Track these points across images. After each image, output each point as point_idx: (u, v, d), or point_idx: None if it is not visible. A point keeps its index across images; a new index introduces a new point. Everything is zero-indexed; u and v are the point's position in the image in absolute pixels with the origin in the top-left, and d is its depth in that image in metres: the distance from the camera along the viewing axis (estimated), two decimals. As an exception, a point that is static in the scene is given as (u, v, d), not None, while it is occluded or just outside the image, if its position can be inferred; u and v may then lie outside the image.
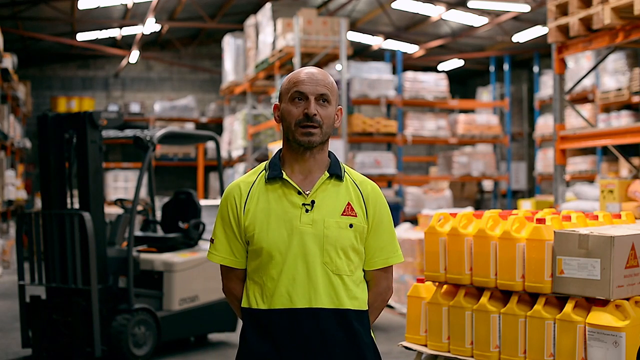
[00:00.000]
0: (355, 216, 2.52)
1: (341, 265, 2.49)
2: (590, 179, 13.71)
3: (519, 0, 14.25)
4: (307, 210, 2.49)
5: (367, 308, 2.56)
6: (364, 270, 2.62)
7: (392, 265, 2.63)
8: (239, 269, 2.59)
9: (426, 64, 20.01)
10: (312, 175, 2.54)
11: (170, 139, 7.62)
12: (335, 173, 2.54)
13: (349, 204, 2.53)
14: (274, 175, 2.52)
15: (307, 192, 2.51)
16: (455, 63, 19.88)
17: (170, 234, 7.28)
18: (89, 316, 6.12)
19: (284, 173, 2.53)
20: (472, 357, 3.70)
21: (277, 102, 2.59)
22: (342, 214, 2.51)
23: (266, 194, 2.52)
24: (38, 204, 15.52)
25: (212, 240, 2.61)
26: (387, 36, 17.88)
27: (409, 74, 14.31)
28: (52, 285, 6.36)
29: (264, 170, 2.57)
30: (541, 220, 3.53)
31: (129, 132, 7.33)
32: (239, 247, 2.56)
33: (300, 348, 2.46)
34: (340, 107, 2.60)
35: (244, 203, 2.53)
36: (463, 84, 21.97)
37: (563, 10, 7.09)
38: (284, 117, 2.53)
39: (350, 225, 2.51)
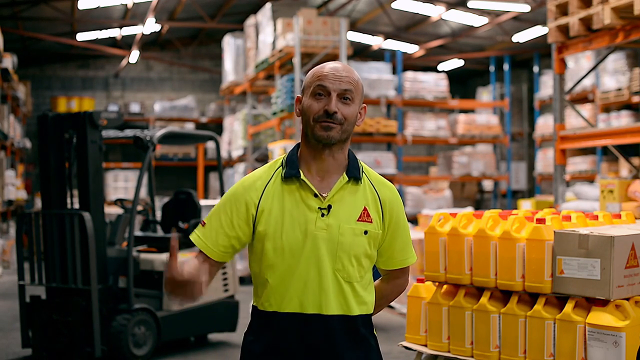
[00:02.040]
0: (371, 222, 2.47)
1: (352, 272, 2.45)
2: (590, 179, 13.71)
3: (519, 0, 14.25)
4: (322, 215, 2.42)
5: (372, 311, 2.54)
6: (379, 268, 2.62)
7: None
8: (211, 259, 2.46)
9: (426, 64, 20.00)
10: (329, 176, 2.46)
11: (170, 139, 7.62)
12: (354, 176, 2.47)
13: (365, 209, 2.47)
14: (290, 175, 2.45)
15: (324, 195, 2.44)
16: (455, 63, 19.87)
17: (170, 234, 7.27)
18: (89, 316, 6.12)
19: (301, 173, 2.45)
20: (472, 357, 3.70)
21: (300, 95, 2.50)
22: (358, 220, 2.45)
23: (282, 193, 2.45)
24: (38, 204, 15.51)
25: (203, 223, 2.50)
26: (387, 36, 17.87)
27: (409, 74, 14.31)
28: (52, 285, 6.36)
29: (281, 167, 2.49)
30: (541, 220, 3.53)
31: (129, 132, 7.33)
32: (226, 242, 2.46)
33: (308, 351, 2.44)
34: (364, 105, 2.53)
35: (258, 203, 2.45)
36: (463, 84, 21.97)
37: (563, 10, 7.09)
38: (304, 112, 2.45)
39: (365, 232, 2.45)
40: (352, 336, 2.46)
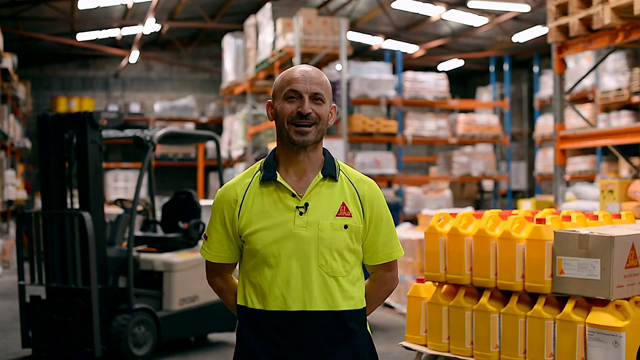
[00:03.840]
0: (350, 216, 2.51)
1: (336, 267, 2.49)
2: (590, 179, 13.71)
3: (519, 0, 14.25)
4: (301, 213, 2.48)
5: (363, 305, 2.56)
6: (366, 265, 2.63)
7: (395, 259, 2.64)
8: (229, 263, 2.62)
9: (426, 64, 20.01)
10: (306, 176, 2.53)
11: (170, 139, 7.61)
12: (329, 174, 2.53)
13: (343, 204, 2.52)
14: (268, 177, 2.52)
15: (301, 195, 2.50)
16: (455, 63, 19.88)
17: (170, 234, 7.28)
18: (89, 316, 6.12)
19: (278, 175, 2.52)
20: (472, 357, 3.70)
21: (271, 100, 2.58)
22: (337, 215, 2.50)
23: (261, 196, 2.52)
24: (38, 204, 15.51)
25: (205, 237, 2.63)
26: (387, 36, 17.88)
27: (409, 74, 14.31)
28: (52, 285, 6.35)
29: (259, 171, 2.57)
30: (541, 220, 3.53)
31: (129, 132, 7.33)
32: (229, 244, 2.58)
33: (296, 348, 2.46)
34: (334, 105, 2.60)
35: (240, 205, 2.52)
36: (463, 84, 21.97)
37: (563, 10, 7.09)
38: (277, 115, 2.52)
39: (345, 226, 2.50)
40: (339, 331, 2.48)
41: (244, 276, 2.56)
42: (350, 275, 2.52)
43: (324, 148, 2.59)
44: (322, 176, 2.52)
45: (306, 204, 2.49)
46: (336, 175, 2.54)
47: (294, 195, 2.49)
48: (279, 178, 2.51)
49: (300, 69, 2.53)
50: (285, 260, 2.46)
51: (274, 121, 2.56)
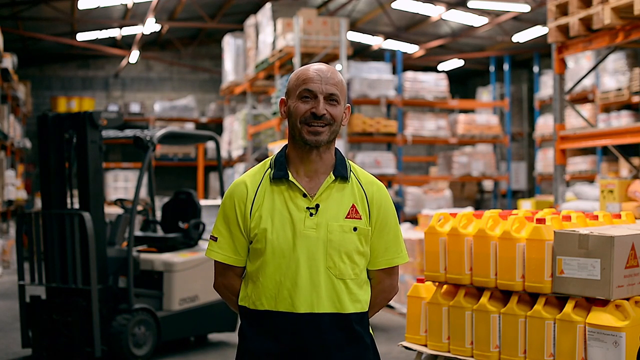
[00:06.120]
0: (360, 219, 2.49)
1: (345, 269, 2.47)
2: (590, 179, 13.71)
3: (519, 0, 14.25)
4: (311, 214, 2.45)
5: (367, 309, 2.55)
6: (367, 270, 2.60)
7: (397, 266, 2.60)
8: (238, 266, 2.55)
9: (426, 64, 20.00)
10: (317, 176, 2.50)
11: (170, 139, 7.62)
12: (341, 175, 2.50)
13: (353, 206, 2.49)
14: (279, 176, 2.48)
15: (312, 195, 2.47)
16: (455, 63, 19.87)
17: (170, 234, 7.28)
18: (89, 316, 6.12)
19: (290, 174, 2.48)
20: (472, 357, 3.70)
21: (284, 97, 2.53)
22: (347, 217, 2.47)
23: (272, 194, 2.48)
24: (38, 204, 15.51)
25: (214, 238, 2.55)
26: (387, 36, 17.87)
27: (409, 74, 14.30)
28: (52, 285, 6.36)
29: (269, 168, 2.53)
30: (541, 220, 3.53)
31: (129, 132, 7.33)
32: (243, 245, 2.52)
33: (301, 349, 2.45)
34: (348, 105, 2.56)
35: (252, 203, 2.48)
36: (463, 84, 21.96)
37: (563, 10, 7.09)
38: (290, 114, 2.48)
39: (355, 229, 2.47)
40: (345, 334, 2.47)
41: (248, 277, 2.53)
42: (359, 278, 2.50)
43: (335, 148, 2.55)
44: (333, 177, 2.49)
45: (317, 205, 2.46)
46: (347, 176, 2.51)
47: (305, 196, 2.46)
48: (290, 177, 2.47)
49: (315, 68, 2.48)
50: (293, 261, 2.43)
51: (286, 119, 2.52)
